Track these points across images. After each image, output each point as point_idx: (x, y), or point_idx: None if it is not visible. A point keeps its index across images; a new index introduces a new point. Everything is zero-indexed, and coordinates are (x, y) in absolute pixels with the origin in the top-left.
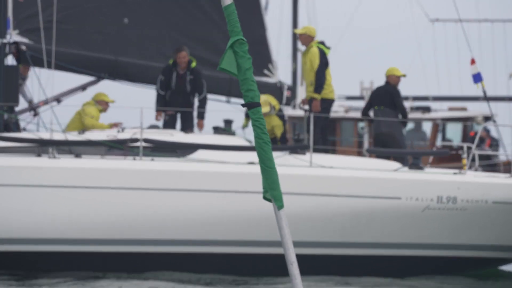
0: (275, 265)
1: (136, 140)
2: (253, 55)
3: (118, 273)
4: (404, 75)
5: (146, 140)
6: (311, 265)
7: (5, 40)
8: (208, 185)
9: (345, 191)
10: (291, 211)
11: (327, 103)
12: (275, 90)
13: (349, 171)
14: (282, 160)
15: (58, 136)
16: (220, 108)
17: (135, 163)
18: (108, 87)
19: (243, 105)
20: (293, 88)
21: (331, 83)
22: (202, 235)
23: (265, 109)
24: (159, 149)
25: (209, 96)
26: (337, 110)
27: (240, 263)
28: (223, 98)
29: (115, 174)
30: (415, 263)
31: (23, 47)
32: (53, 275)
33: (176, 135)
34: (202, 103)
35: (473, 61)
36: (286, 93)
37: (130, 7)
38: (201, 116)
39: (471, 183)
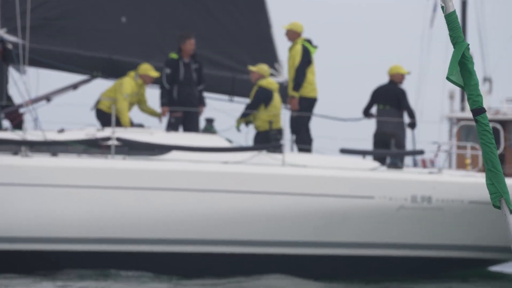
0: (249, 264)
1: (108, 139)
2: (259, 53)
3: (87, 271)
4: (408, 73)
5: (118, 139)
6: (285, 264)
7: None
8: (178, 184)
9: (317, 190)
10: (264, 211)
11: (308, 102)
12: (281, 89)
13: (321, 170)
14: (257, 159)
15: (35, 135)
16: (221, 107)
17: (105, 161)
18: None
19: (473, 112)
20: None
21: (313, 82)
22: (174, 234)
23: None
24: (136, 148)
25: (212, 95)
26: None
27: (213, 262)
28: (225, 97)
29: (84, 172)
30: (391, 263)
31: (9, 46)
32: (23, 273)
33: (156, 135)
34: (202, 92)
35: None
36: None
37: (129, 4)
38: (203, 102)
39: (446, 182)
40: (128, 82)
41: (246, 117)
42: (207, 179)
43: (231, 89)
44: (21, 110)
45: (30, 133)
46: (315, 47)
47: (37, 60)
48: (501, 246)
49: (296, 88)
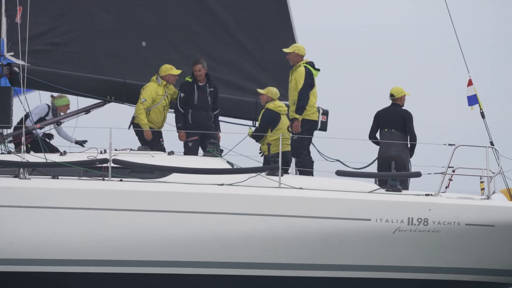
0: (245, 286)
1: (106, 161)
2: (284, 78)
3: None
4: (409, 94)
5: (115, 161)
6: (282, 287)
7: None
8: (172, 206)
9: (313, 213)
10: (261, 233)
11: (310, 124)
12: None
13: (318, 192)
14: (253, 181)
15: (38, 158)
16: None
17: (101, 183)
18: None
19: None
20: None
21: (314, 105)
22: (169, 257)
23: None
24: (137, 171)
25: (235, 120)
26: None
27: (209, 284)
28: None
29: (79, 194)
30: (388, 285)
31: (16, 69)
32: None
33: (158, 157)
34: (217, 116)
35: (470, 82)
36: (321, 118)
37: (148, 30)
38: (219, 128)
39: (442, 204)
40: (149, 87)
41: (257, 139)
42: (202, 201)
43: (254, 115)
44: (29, 133)
45: (32, 156)
46: (317, 70)
47: (46, 84)
48: (498, 269)
49: (300, 112)
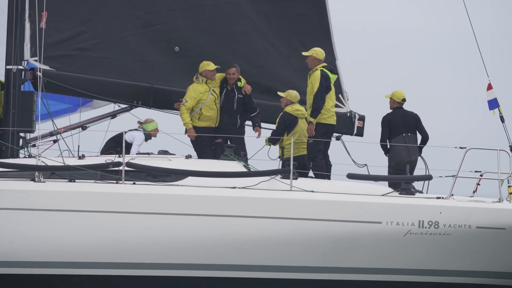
0: None
1: (119, 164)
2: None
3: None
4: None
5: (128, 164)
6: None
7: (20, 67)
8: (184, 209)
9: (324, 216)
10: (272, 236)
11: (325, 128)
12: (345, 120)
13: (328, 195)
14: (266, 184)
15: (56, 162)
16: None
17: (114, 186)
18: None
19: None
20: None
21: (330, 108)
22: (182, 259)
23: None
24: (154, 175)
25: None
26: None
27: (220, 286)
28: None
29: (91, 197)
30: None
31: (39, 74)
32: None
33: (175, 161)
34: (258, 117)
35: (490, 86)
36: (357, 123)
37: (181, 35)
38: (259, 124)
39: (453, 207)
40: (190, 87)
41: (273, 142)
42: (213, 204)
43: None
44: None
45: (51, 160)
46: (335, 74)
47: (69, 88)
48: (510, 272)
49: (314, 115)
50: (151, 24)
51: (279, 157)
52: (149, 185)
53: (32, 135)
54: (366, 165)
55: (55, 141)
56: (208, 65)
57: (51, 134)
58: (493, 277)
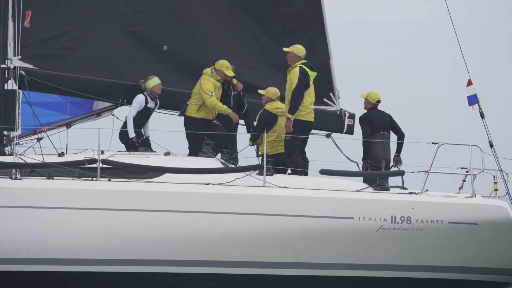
0: (230, 285)
1: (94, 161)
2: (317, 83)
3: None
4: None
5: (104, 162)
6: (267, 285)
7: (3, 66)
8: (158, 205)
9: (297, 211)
10: (245, 232)
11: (303, 125)
12: (335, 117)
13: (301, 191)
14: (242, 181)
15: (36, 159)
16: None
17: (89, 183)
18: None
19: None
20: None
21: (308, 105)
22: (154, 255)
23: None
24: (130, 171)
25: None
26: None
27: (198, 282)
28: None
29: (67, 194)
30: (373, 284)
31: (22, 72)
32: None
33: (153, 158)
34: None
35: (469, 82)
36: (347, 121)
37: (169, 34)
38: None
39: (425, 203)
40: (206, 80)
41: (254, 140)
42: (186, 201)
43: None
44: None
45: (30, 158)
46: (314, 71)
47: (53, 86)
48: (483, 267)
49: (292, 111)
50: (139, 23)
51: (259, 154)
52: (123, 181)
53: (15, 133)
54: (357, 162)
55: (39, 139)
56: (227, 69)
57: (34, 132)
58: (467, 272)
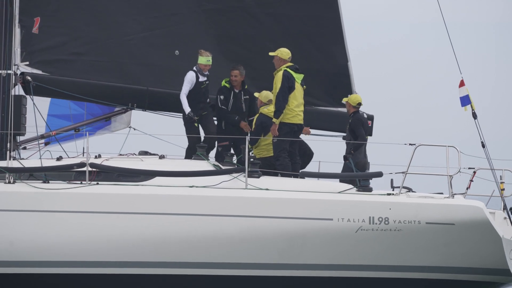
0: (214, 286)
1: (83, 165)
2: (334, 86)
3: None
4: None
5: (92, 165)
6: (250, 286)
7: (10, 71)
8: (144, 208)
9: (278, 213)
10: (227, 233)
11: (289, 127)
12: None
13: (282, 193)
14: (225, 183)
15: (35, 163)
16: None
17: (76, 187)
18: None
19: None
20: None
21: (294, 108)
22: (138, 257)
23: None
24: (122, 175)
25: None
26: None
27: (182, 284)
28: None
29: (54, 197)
30: (353, 284)
31: (28, 78)
32: None
33: (147, 161)
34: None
35: (462, 83)
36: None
37: (181, 39)
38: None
39: (402, 203)
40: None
41: (252, 144)
42: (171, 203)
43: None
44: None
45: (31, 161)
46: (300, 74)
47: (61, 92)
48: (461, 266)
49: (276, 115)
50: (152, 28)
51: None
52: (110, 185)
53: (22, 138)
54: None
55: (46, 144)
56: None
57: (42, 136)
58: (446, 272)
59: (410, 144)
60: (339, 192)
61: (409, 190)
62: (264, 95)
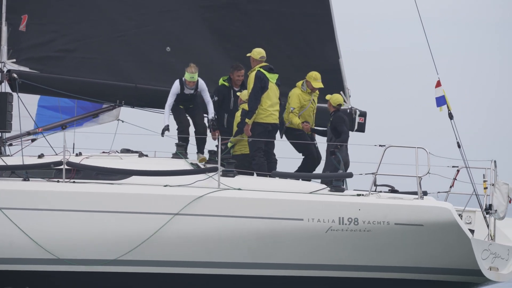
0: (186, 284)
1: (60, 163)
2: (326, 82)
3: None
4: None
5: (69, 164)
6: (222, 285)
7: None
8: (117, 206)
9: (249, 213)
10: (199, 232)
11: (263, 127)
12: (347, 116)
13: (254, 193)
14: (199, 183)
15: (16, 161)
16: None
17: (52, 185)
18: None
19: None
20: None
21: (268, 108)
22: (110, 255)
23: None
24: (101, 173)
25: None
26: None
27: (152, 282)
28: None
29: (30, 195)
30: (324, 284)
31: (14, 75)
32: None
33: (126, 160)
34: None
35: (438, 84)
36: (358, 119)
37: (173, 36)
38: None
39: (371, 204)
40: (294, 94)
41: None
42: (143, 202)
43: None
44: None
45: (13, 159)
46: (275, 73)
47: (47, 89)
48: (430, 267)
49: (248, 115)
50: (143, 25)
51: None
52: (85, 183)
53: (9, 135)
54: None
55: (33, 140)
56: (314, 81)
57: (28, 133)
58: (415, 272)
59: (380, 146)
60: (310, 193)
61: (392, 188)
62: (244, 94)
